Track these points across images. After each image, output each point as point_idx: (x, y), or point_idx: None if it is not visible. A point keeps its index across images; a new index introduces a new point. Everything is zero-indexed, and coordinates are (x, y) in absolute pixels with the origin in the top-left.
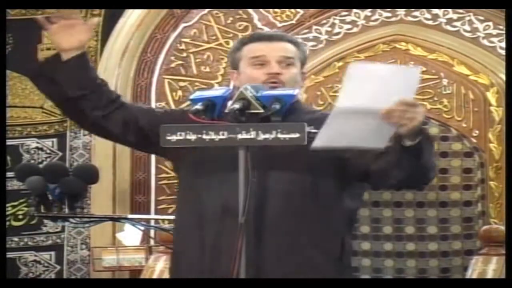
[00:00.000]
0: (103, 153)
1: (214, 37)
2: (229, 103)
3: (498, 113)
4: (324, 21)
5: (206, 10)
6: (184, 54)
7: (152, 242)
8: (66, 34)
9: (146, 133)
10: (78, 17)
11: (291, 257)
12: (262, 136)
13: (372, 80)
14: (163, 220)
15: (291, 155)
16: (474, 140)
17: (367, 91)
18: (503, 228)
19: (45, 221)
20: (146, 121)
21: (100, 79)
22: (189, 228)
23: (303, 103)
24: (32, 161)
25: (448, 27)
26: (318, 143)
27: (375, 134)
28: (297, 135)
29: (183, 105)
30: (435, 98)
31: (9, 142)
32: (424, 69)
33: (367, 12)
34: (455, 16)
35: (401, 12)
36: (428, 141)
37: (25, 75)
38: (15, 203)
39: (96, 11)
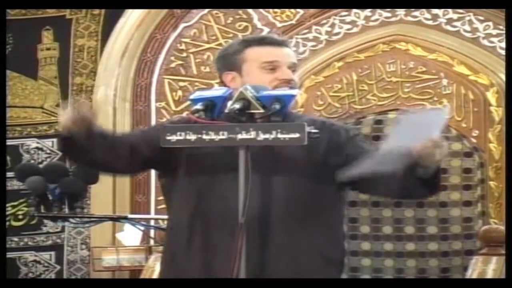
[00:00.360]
0: None
1: (214, 37)
2: (229, 103)
3: (498, 113)
4: (324, 21)
5: (206, 10)
6: (184, 54)
7: (152, 242)
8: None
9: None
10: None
11: (292, 260)
12: (262, 136)
13: (411, 125)
14: (163, 220)
15: (290, 158)
16: (474, 140)
17: (408, 135)
18: (503, 228)
19: (45, 221)
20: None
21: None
22: (186, 228)
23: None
24: (32, 161)
25: (448, 27)
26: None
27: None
28: (297, 135)
29: (183, 105)
30: (435, 98)
31: (9, 142)
32: (424, 69)
33: (367, 12)
34: (455, 16)
35: (401, 12)
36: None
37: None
38: (15, 203)
39: (96, 11)
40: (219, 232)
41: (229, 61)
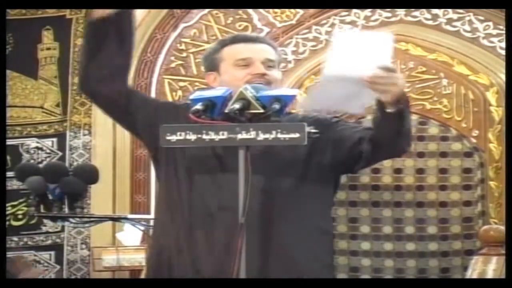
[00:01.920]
0: (103, 153)
1: (214, 37)
2: (229, 103)
3: (498, 113)
4: (324, 21)
5: (206, 10)
6: (184, 54)
7: None
8: None
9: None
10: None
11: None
12: (262, 136)
13: (353, 47)
14: None
15: (286, 158)
16: (474, 140)
17: (350, 58)
18: (503, 228)
19: (45, 220)
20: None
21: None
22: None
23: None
24: (32, 161)
25: (448, 27)
26: (305, 105)
27: (355, 100)
28: (297, 135)
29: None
30: (435, 98)
31: (9, 142)
32: (424, 69)
33: (367, 12)
34: (455, 16)
35: (401, 12)
36: (408, 107)
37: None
38: (15, 203)
39: None
40: (211, 230)
41: (210, 62)
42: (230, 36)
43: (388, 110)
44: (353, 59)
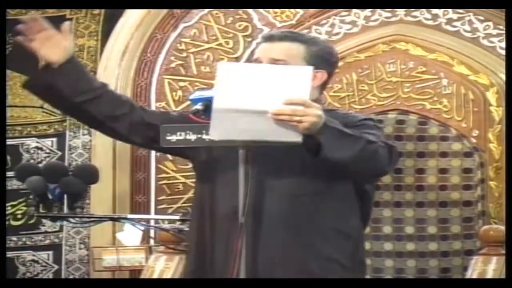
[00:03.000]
0: (103, 153)
1: (214, 37)
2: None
3: (498, 113)
4: (324, 21)
5: (206, 10)
6: (184, 54)
7: (152, 242)
8: (49, 46)
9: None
10: (48, 26)
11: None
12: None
13: (250, 80)
14: (163, 220)
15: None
16: (474, 140)
17: (247, 91)
18: (503, 228)
19: (43, 220)
20: (159, 122)
21: (99, 83)
22: (199, 227)
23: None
24: (32, 161)
25: (448, 27)
26: (215, 135)
27: (282, 128)
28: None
29: (183, 105)
30: (435, 98)
31: (9, 142)
32: (424, 69)
33: (367, 12)
34: (455, 16)
35: (401, 12)
36: (341, 138)
37: (22, 87)
38: (15, 203)
39: (96, 11)
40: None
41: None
42: (261, 34)
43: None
44: (254, 92)
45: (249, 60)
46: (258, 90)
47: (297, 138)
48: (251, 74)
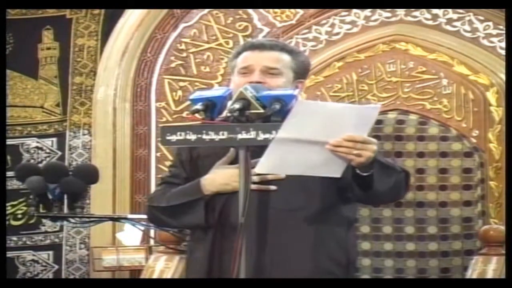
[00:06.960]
0: (103, 153)
1: (214, 37)
2: (229, 103)
3: (498, 113)
4: (324, 21)
5: (206, 10)
6: (184, 54)
7: (152, 242)
8: None
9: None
10: None
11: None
12: (262, 136)
13: (320, 115)
14: None
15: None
16: (474, 140)
17: (315, 125)
18: (503, 228)
19: (44, 220)
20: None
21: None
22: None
23: None
24: (32, 161)
25: (448, 27)
26: (261, 169)
27: (329, 163)
28: None
29: (183, 105)
30: (435, 98)
31: (9, 142)
32: (424, 69)
33: (367, 12)
34: (455, 16)
35: (401, 12)
36: (382, 170)
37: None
38: (15, 203)
39: (96, 11)
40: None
41: (231, 69)
42: (244, 43)
43: (358, 172)
44: (320, 126)
45: (232, 65)
46: (324, 124)
47: (337, 174)
48: (323, 111)
